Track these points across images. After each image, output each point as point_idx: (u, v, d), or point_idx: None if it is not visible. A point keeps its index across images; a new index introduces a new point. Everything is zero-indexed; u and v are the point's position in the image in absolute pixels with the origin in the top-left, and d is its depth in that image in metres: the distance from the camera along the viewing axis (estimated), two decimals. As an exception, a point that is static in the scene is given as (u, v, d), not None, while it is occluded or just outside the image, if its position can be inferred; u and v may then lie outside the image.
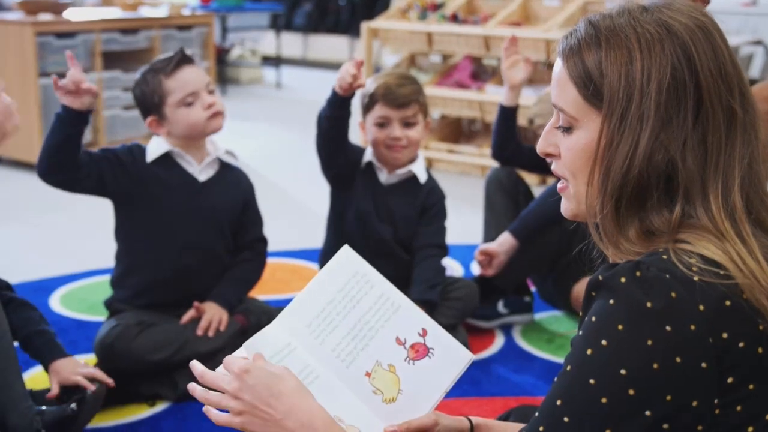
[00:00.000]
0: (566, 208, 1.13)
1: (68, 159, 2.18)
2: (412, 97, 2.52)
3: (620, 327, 0.96)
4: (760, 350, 0.97)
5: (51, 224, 3.85)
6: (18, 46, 4.56)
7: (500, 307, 2.84)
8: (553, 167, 1.13)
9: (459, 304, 2.60)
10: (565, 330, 2.83)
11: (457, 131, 5.34)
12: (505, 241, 2.74)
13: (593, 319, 0.99)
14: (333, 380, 1.30)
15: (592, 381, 0.96)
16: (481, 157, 4.93)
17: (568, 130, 1.08)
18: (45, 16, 4.68)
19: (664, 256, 0.99)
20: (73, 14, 4.89)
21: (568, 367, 1.00)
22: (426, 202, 2.63)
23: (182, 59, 2.31)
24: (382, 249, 2.59)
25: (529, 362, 2.59)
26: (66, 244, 3.60)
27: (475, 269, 2.94)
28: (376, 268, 2.82)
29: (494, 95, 4.79)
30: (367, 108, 2.55)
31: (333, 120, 2.43)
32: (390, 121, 2.52)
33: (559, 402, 0.99)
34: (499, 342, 2.73)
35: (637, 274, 0.97)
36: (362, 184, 2.61)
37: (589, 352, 0.97)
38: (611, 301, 0.97)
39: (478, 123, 5.36)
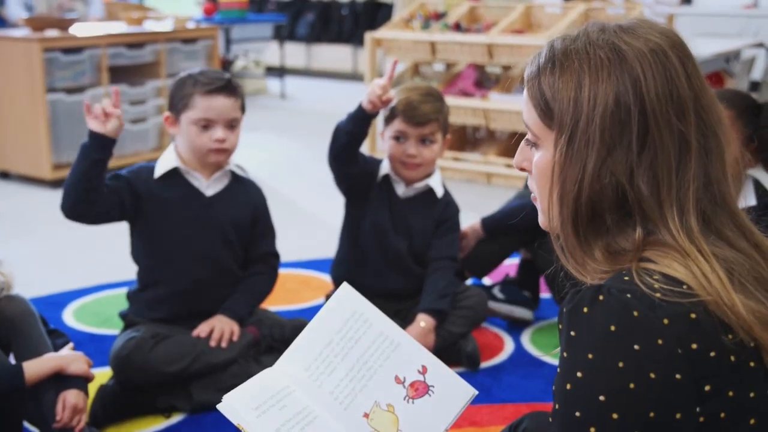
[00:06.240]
0: (540, 220, 1.16)
1: (93, 190, 2.19)
2: (432, 116, 2.51)
3: (590, 356, 0.97)
4: (732, 359, 0.98)
5: (60, 239, 3.87)
6: (25, 62, 4.59)
7: (496, 290, 2.90)
8: (528, 182, 1.16)
9: (469, 313, 2.62)
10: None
11: (462, 139, 5.37)
12: (476, 228, 2.84)
13: (565, 354, 1.01)
14: (330, 422, 1.32)
15: (577, 414, 0.98)
16: (486, 164, 4.95)
17: (535, 146, 1.12)
18: (51, 32, 4.72)
19: (626, 278, 1.00)
20: (79, 30, 4.92)
21: (557, 405, 1.02)
22: (442, 216, 2.65)
23: (222, 88, 2.32)
24: (395, 261, 2.62)
25: (538, 368, 2.60)
26: (76, 259, 3.62)
27: None
28: (387, 279, 2.83)
29: (498, 103, 4.81)
30: (387, 120, 2.55)
31: (351, 135, 2.45)
32: (407, 137, 2.53)
33: None
34: (508, 349, 2.75)
35: (600, 298, 0.99)
36: (378, 196, 2.61)
37: (568, 386, 0.99)
38: (576, 333, 0.99)
39: (482, 130, 5.39)
